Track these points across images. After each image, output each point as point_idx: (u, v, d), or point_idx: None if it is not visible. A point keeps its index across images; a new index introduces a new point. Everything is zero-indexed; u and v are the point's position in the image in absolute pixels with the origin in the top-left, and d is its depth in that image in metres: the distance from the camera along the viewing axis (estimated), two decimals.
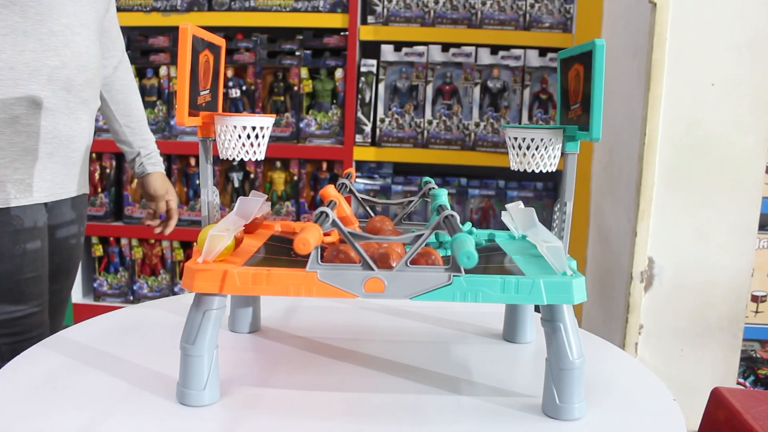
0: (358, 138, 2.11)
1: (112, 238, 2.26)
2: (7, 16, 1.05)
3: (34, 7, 1.07)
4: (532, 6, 2.05)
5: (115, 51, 1.32)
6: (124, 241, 2.26)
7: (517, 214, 0.80)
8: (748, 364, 1.80)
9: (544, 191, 2.13)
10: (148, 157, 1.34)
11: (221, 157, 0.75)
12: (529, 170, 0.72)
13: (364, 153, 2.10)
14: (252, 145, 0.75)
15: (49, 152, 1.13)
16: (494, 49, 2.08)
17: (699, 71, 1.45)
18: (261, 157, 0.76)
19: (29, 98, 1.08)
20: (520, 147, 0.72)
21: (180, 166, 2.23)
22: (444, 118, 2.09)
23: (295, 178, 2.20)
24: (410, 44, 2.10)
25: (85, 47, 1.15)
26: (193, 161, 2.21)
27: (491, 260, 0.78)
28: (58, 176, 1.16)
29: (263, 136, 0.76)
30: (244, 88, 2.17)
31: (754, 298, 1.73)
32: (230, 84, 2.16)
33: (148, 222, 1.40)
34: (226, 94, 2.15)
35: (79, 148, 1.19)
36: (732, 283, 1.51)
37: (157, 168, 1.35)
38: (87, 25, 1.16)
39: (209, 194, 0.77)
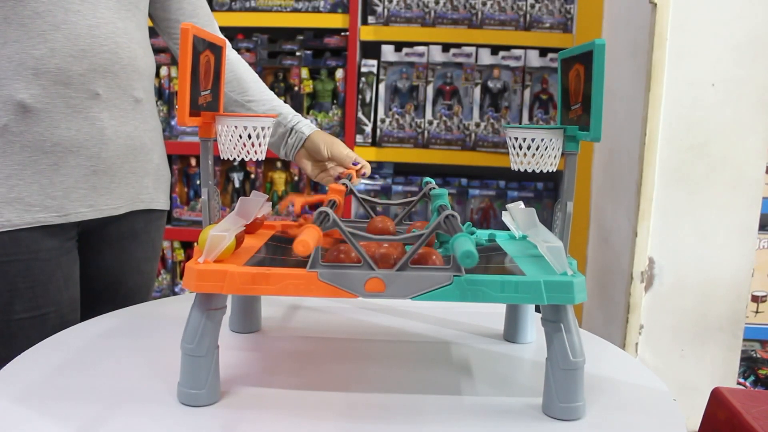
0: (359, 138, 2.11)
1: None
2: None
3: None
4: (532, 6, 2.05)
5: (196, 23, 1.09)
6: None
7: (517, 214, 0.80)
8: (748, 364, 1.80)
9: (545, 191, 2.13)
10: (299, 124, 1.09)
11: (222, 157, 0.75)
12: (530, 170, 0.72)
13: (364, 153, 2.10)
14: (252, 145, 0.75)
15: (54, 163, 0.94)
16: (494, 50, 2.08)
17: (699, 71, 1.45)
18: (261, 157, 0.76)
19: (15, 101, 0.91)
20: (520, 147, 0.72)
21: (180, 166, 2.23)
22: (444, 118, 2.09)
23: (296, 178, 2.20)
24: (411, 44, 2.10)
25: (86, 27, 0.93)
26: (193, 161, 2.21)
27: (492, 260, 0.78)
28: (76, 192, 0.97)
29: (264, 136, 0.76)
30: None
31: (754, 298, 1.73)
32: None
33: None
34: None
35: (108, 156, 0.99)
36: (732, 283, 1.51)
37: (312, 127, 1.10)
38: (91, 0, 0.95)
39: (210, 194, 0.77)
